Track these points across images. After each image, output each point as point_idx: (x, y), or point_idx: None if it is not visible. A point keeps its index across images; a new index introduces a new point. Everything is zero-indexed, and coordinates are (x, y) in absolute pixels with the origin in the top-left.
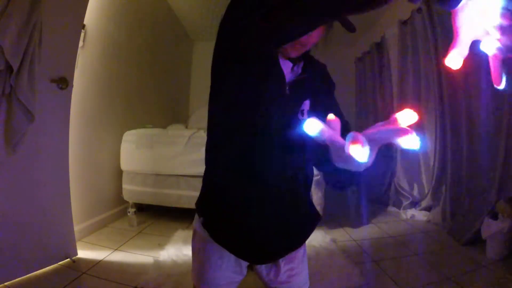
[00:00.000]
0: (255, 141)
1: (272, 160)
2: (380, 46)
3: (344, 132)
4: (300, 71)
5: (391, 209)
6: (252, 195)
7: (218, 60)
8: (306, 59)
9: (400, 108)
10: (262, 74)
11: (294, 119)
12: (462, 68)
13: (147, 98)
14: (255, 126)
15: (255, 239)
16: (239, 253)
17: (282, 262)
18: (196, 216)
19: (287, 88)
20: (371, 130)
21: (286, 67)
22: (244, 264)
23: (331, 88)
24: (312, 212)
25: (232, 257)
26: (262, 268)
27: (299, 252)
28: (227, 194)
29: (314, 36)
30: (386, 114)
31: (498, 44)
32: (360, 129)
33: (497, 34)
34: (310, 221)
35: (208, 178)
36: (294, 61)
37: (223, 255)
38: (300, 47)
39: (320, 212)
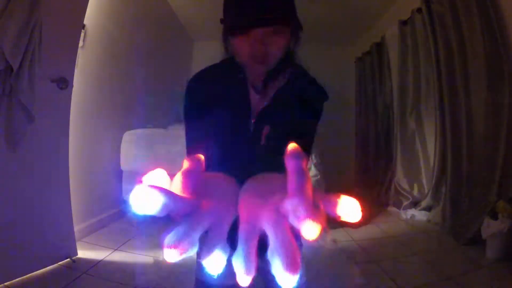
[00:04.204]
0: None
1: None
2: (380, 46)
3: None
4: (269, 100)
5: (391, 209)
6: None
7: None
8: (294, 82)
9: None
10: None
11: (254, 147)
12: (462, 68)
13: (147, 98)
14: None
15: None
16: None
17: None
18: None
19: (252, 121)
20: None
21: (258, 98)
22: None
23: (308, 115)
24: None
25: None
26: (259, 262)
27: None
28: None
29: (272, 46)
30: (386, 114)
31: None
32: (360, 129)
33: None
34: None
35: None
36: (267, 90)
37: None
38: (255, 61)
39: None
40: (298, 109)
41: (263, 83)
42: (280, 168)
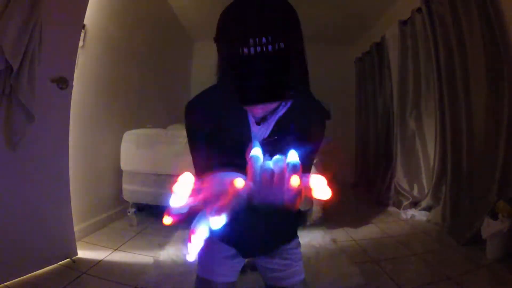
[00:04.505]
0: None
1: None
2: (380, 46)
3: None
4: (269, 131)
5: (391, 209)
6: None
7: None
8: (296, 108)
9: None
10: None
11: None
12: (462, 68)
13: (147, 98)
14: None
15: (246, 238)
16: (236, 247)
17: (275, 253)
18: None
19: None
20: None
21: (258, 128)
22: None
23: (308, 141)
24: (294, 214)
25: (232, 249)
26: (259, 261)
27: (291, 245)
28: None
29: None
30: (386, 114)
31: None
32: (360, 129)
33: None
34: (294, 220)
35: None
36: (267, 120)
37: (224, 248)
38: (259, 110)
39: (320, 212)
40: (299, 136)
41: (263, 119)
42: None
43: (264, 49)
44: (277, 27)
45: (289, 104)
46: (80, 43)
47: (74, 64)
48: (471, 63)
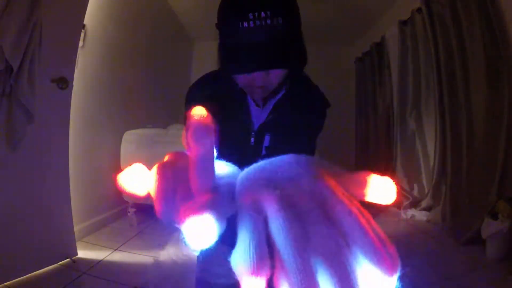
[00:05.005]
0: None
1: None
2: (380, 46)
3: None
4: (268, 111)
5: (391, 209)
6: None
7: None
8: (295, 92)
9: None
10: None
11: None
12: (462, 68)
13: (147, 98)
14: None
15: None
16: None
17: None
18: None
19: (253, 132)
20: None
21: (258, 110)
22: None
23: (307, 123)
24: None
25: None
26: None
27: None
28: None
29: (263, 78)
30: (386, 114)
31: None
32: (360, 129)
33: None
34: None
35: None
36: (267, 102)
37: (223, 249)
38: (259, 90)
39: None
40: (298, 118)
41: (263, 100)
42: None
43: (263, 22)
44: (275, 3)
45: (286, 87)
46: (80, 43)
47: (74, 64)
48: (471, 63)
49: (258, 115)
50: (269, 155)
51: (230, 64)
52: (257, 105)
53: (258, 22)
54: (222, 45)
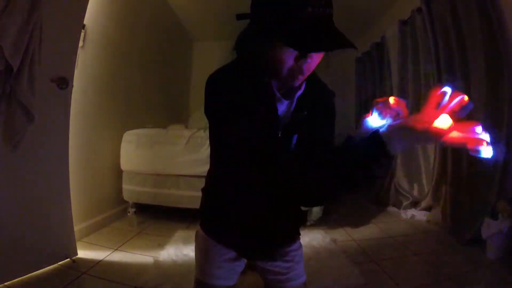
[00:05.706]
0: (241, 175)
1: (255, 193)
2: (380, 46)
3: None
4: (293, 107)
5: (391, 209)
6: (243, 210)
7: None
8: (310, 87)
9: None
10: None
11: (280, 154)
12: (462, 67)
13: (147, 98)
14: (240, 163)
15: (248, 241)
16: (237, 250)
17: (277, 255)
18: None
19: (280, 130)
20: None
21: (282, 105)
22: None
23: (330, 119)
24: (297, 214)
25: (232, 252)
26: (259, 263)
27: (293, 247)
28: (223, 208)
29: (313, 63)
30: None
31: None
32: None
33: None
34: (295, 222)
35: (208, 192)
36: (291, 96)
37: (223, 251)
38: (300, 76)
39: (320, 213)
40: (321, 115)
41: (290, 93)
42: (307, 174)
43: (322, 10)
44: None
45: (304, 84)
46: (80, 43)
47: (74, 64)
48: (471, 62)
49: (283, 108)
50: (297, 151)
51: (313, 42)
52: (283, 97)
53: (319, 9)
54: (284, 27)
